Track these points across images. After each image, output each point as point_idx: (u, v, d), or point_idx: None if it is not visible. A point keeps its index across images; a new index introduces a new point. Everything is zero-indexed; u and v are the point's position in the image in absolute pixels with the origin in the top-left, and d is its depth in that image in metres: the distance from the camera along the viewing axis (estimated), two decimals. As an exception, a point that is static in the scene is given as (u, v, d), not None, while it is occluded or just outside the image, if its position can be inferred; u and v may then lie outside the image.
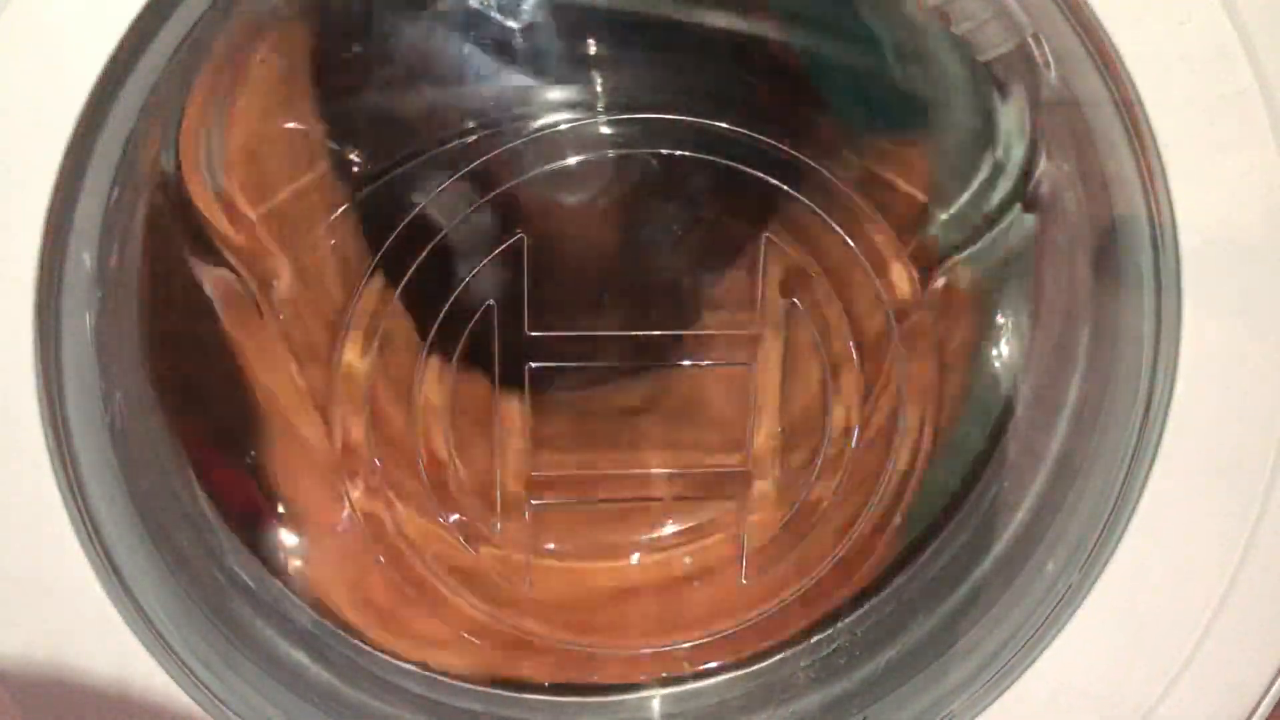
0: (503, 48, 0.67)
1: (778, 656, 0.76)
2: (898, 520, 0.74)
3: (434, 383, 0.71)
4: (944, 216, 0.72)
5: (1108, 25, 0.54)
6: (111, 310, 0.62)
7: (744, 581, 0.76)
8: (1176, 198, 0.56)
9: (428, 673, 0.75)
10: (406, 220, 0.67)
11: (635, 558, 0.78)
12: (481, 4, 0.66)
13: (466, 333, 0.69)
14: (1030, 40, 0.64)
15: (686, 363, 0.75)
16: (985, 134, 0.71)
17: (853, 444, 0.74)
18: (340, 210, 0.68)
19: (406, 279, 0.68)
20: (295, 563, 0.73)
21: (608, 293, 0.72)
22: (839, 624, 0.76)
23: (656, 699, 0.77)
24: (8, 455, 0.54)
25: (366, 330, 0.69)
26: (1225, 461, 0.59)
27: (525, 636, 0.75)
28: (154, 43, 0.54)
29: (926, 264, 0.72)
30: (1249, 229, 0.56)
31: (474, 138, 0.67)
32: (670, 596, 0.78)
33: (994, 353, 0.75)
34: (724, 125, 0.68)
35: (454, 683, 0.75)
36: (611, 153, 0.69)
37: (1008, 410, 0.75)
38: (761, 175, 0.69)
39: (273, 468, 0.73)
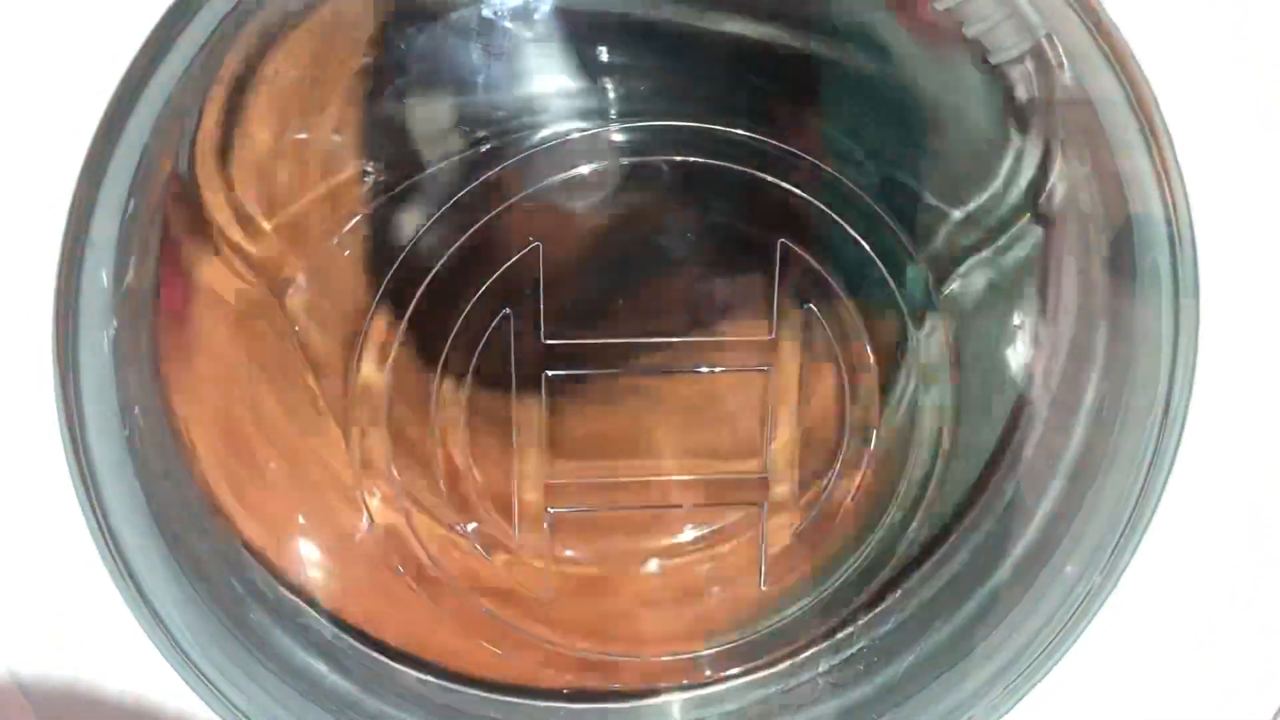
0: (515, 57, 0.67)
1: (796, 661, 0.76)
2: (916, 524, 0.74)
3: (451, 392, 0.71)
4: (959, 219, 0.72)
5: (1121, 24, 0.54)
6: (128, 324, 0.62)
7: (763, 587, 0.76)
8: (1192, 196, 0.56)
9: (447, 682, 0.75)
10: (422, 230, 0.67)
11: (654, 564, 0.78)
12: (494, 13, 0.66)
13: (483, 341, 0.70)
14: (1043, 41, 0.64)
15: (703, 368, 0.75)
16: (999, 135, 0.70)
17: (870, 448, 0.74)
18: (355, 220, 0.69)
19: (422, 289, 0.68)
20: (314, 573, 0.73)
21: (623, 300, 0.73)
22: (857, 629, 0.75)
23: (675, 705, 0.77)
24: (28, 468, 0.55)
25: (383, 341, 0.70)
26: (1246, 461, 0.59)
27: (544, 644, 0.75)
28: (169, 56, 0.55)
29: (942, 267, 0.72)
30: (1266, 227, 0.56)
31: (487, 147, 0.68)
32: (689, 603, 0.78)
33: (1011, 354, 0.75)
34: (737, 131, 0.68)
35: (473, 692, 0.75)
36: (624, 160, 0.69)
37: (1025, 412, 0.74)
38: (775, 181, 0.69)
39: (292, 476, 0.74)
